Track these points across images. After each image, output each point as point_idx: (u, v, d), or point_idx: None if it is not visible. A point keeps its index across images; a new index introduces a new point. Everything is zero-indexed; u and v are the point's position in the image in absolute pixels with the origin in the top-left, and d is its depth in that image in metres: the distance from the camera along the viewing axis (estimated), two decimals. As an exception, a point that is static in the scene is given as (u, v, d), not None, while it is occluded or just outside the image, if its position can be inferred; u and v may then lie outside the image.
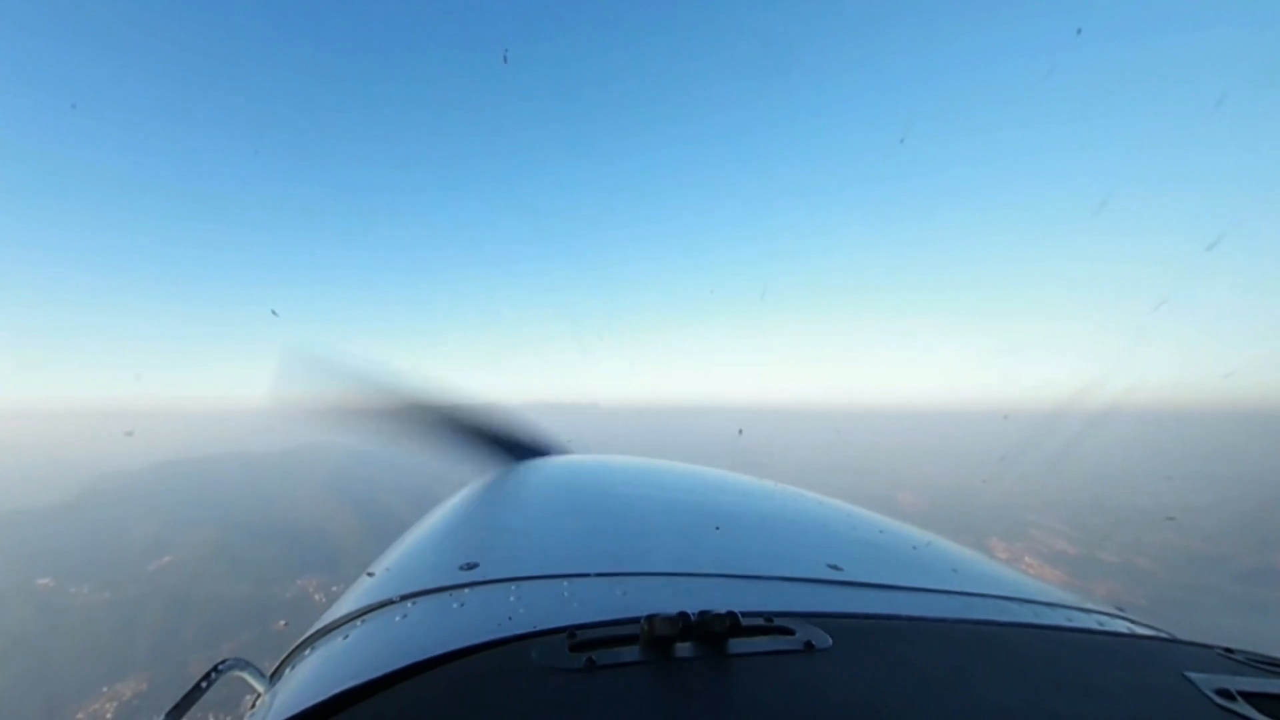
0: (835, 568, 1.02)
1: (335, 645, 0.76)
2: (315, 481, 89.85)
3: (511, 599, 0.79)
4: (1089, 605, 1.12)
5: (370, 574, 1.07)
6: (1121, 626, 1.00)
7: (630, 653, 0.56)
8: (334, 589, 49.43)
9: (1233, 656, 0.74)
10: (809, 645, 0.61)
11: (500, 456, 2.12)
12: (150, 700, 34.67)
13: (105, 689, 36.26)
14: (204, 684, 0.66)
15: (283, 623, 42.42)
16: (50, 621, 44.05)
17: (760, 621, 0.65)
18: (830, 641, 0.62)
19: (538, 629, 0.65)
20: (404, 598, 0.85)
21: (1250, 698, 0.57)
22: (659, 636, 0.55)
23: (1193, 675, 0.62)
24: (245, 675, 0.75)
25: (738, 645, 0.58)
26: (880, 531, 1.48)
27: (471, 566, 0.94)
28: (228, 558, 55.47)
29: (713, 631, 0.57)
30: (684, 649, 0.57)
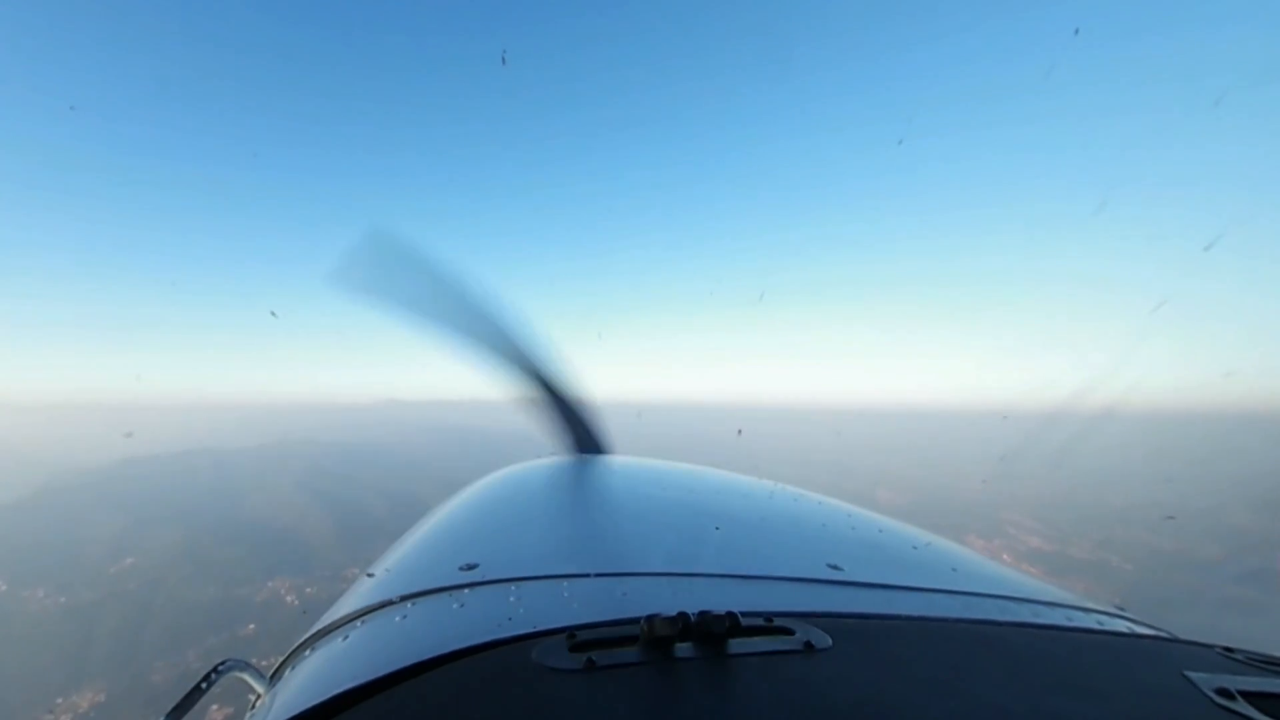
0: (835, 567, 1.03)
1: (335, 646, 0.77)
2: (289, 479, 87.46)
3: (511, 599, 0.79)
4: (1089, 605, 1.12)
5: (370, 574, 1.07)
6: (1121, 626, 1.01)
7: (630, 653, 0.56)
8: (308, 591, 48.28)
9: (1232, 656, 0.74)
10: (809, 645, 0.61)
11: (561, 437, 2.17)
12: (108, 712, 33.14)
13: (60, 700, 34.63)
14: (204, 684, 0.66)
15: (251, 627, 41.08)
16: (1, 629, 41.89)
17: (760, 621, 0.65)
18: (830, 641, 0.62)
19: (538, 629, 0.66)
20: (404, 598, 0.86)
21: (1250, 697, 0.57)
22: (659, 637, 0.56)
23: (1192, 674, 0.62)
24: (245, 676, 0.75)
25: (737, 645, 0.59)
26: (880, 531, 1.46)
27: (471, 567, 0.94)
28: (194, 559, 53.56)
29: (712, 632, 0.57)
30: (684, 649, 0.57)
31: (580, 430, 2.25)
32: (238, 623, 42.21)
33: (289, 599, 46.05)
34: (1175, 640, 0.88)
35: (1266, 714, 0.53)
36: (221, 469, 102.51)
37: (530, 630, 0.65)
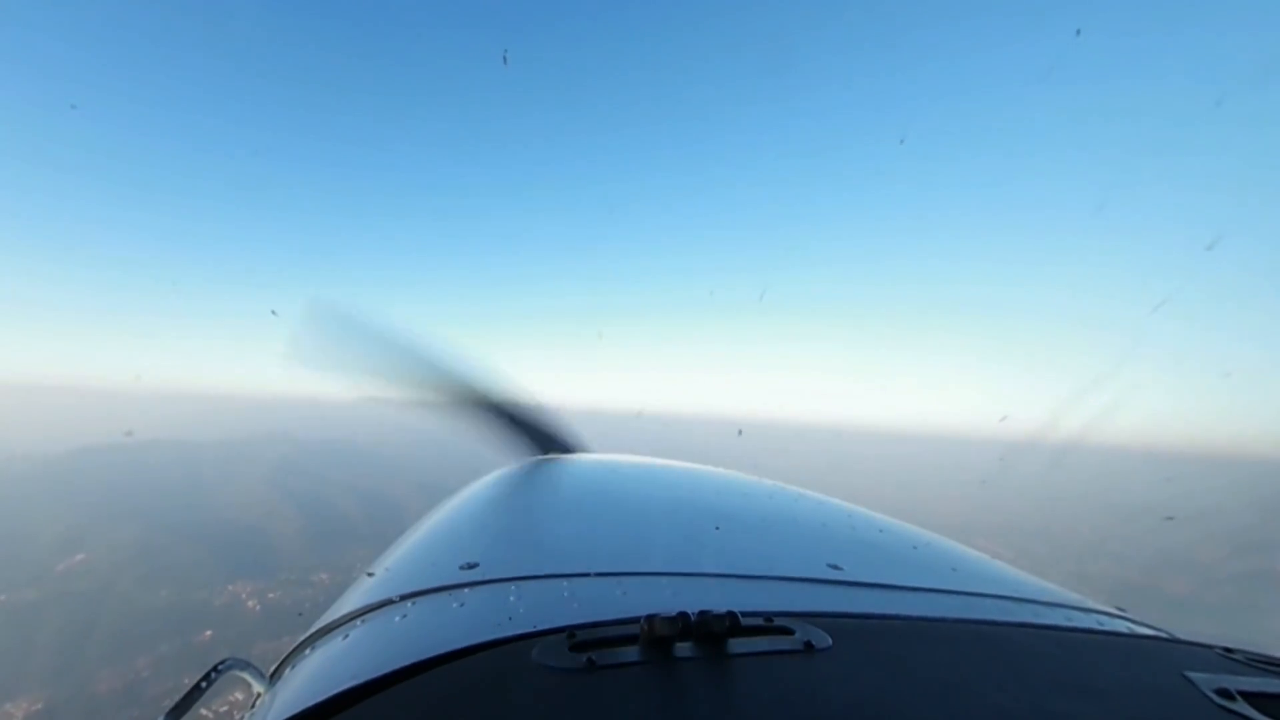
0: (835, 567, 1.03)
1: (335, 645, 0.76)
2: (257, 475, 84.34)
3: (511, 599, 0.79)
4: (1089, 605, 1.13)
5: (370, 574, 1.07)
6: (1121, 626, 1.01)
7: (630, 653, 0.56)
8: (270, 596, 46.21)
9: (1232, 656, 0.75)
10: (808, 645, 0.61)
11: (525, 447, 2.15)
12: (45, 723, 30.91)
13: (-8, 709, 32.19)
14: (204, 684, 0.66)
15: (208, 633, 39.00)
16: (-69, 628, 39.09)
17: (760, 621, 0.66)
18: (830, 641, 0.63)
19: (538, 629, 0.66)
20: (404, 597, 0.85)
21: (1250, 697, 0.57)
22: (659, 636, 0.56)
23: (1192, 675, 0.63)
24: (245, 675, 0.75)
25: (737, 645, 0.59)
26: (880, 531, 1.46)
27: (471, 566, 0.94)
28: (150, 559, 50.94)
29: (712, 631, 0.57)
30: (684, 649, 0.57)
31: (550, 438, 2.24)
32: (193, 629, 40.06)
33: (250, 604, 43.99)
34: (1175, 640, 0.89)
35: (1266, 714, 0.53)
36: (186, 462, 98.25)
37: (530, 630, 0.65)
